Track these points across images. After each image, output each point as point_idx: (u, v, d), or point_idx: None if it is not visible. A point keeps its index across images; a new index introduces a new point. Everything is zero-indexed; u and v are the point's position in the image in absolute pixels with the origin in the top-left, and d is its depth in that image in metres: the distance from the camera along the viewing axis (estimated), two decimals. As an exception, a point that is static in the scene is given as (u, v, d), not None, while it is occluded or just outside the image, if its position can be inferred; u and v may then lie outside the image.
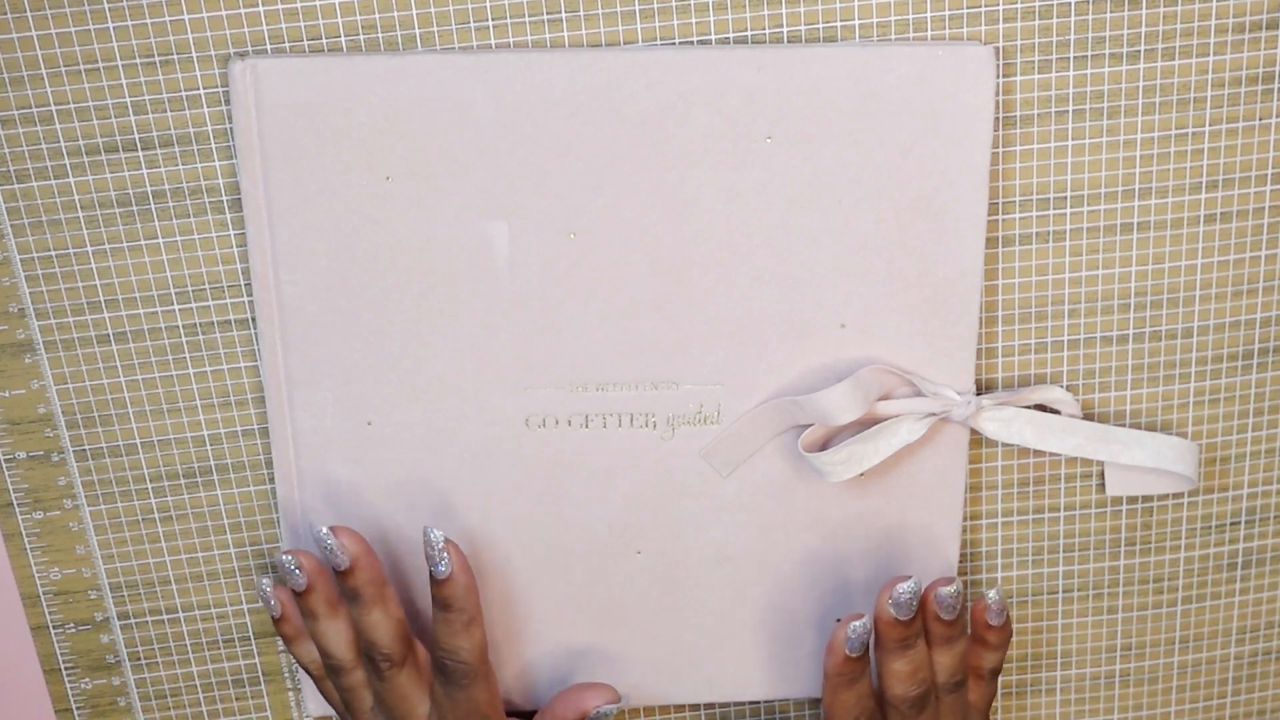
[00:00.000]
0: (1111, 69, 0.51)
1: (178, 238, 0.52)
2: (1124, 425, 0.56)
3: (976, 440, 0.55)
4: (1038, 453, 0.56)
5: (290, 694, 0.59)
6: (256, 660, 0.58)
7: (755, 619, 0.57)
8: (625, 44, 0.50)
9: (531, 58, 0.49)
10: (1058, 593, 0.58)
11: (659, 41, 0.50)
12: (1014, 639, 0.59)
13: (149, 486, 0.55)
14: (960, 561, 0.57)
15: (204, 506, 0.56)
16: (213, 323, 0.53)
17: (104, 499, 0.56)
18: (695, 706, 0.60)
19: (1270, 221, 0.53)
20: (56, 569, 0.57)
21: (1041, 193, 0.52)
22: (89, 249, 0.52)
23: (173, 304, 0.53)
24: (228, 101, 0.50)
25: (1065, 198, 0.52)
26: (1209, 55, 0.51)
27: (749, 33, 0.50)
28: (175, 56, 0.50)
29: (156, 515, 0.56)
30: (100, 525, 0.56)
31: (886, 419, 0.53)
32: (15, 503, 0.55)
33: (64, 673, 0.58)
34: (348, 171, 0.50)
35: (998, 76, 0.50)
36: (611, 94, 0.49)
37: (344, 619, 0.53)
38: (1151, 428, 0.56)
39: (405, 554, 0.55)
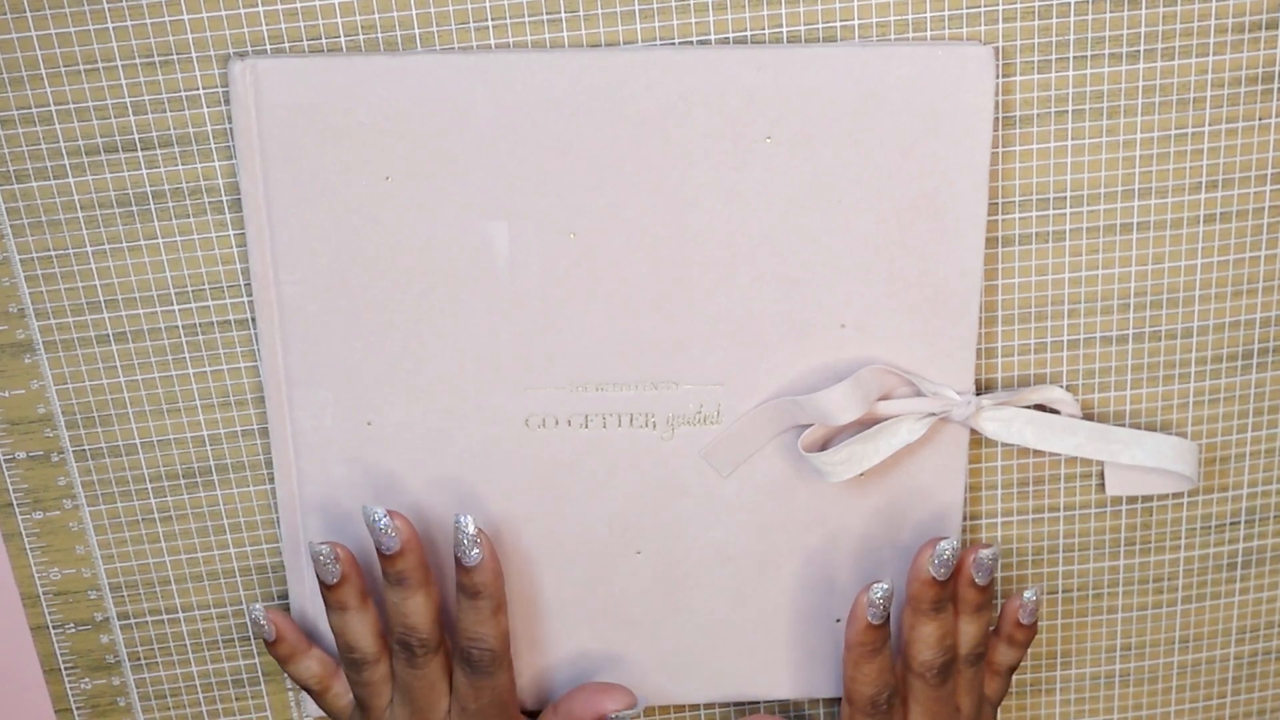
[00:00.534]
0: (1111, 69, 0.51)
1: (178, 238, 0.52)
2: (1124, 425, 0.56)
3: (976, 440, 0.55)
4: (1038, 453, 0.56)
5: (290, 694, 0.59)
6: (256, 660, 0.58)
7: (755, 619, 0.57)
8: (625, 44, 0.50)
9: (531, 58, 0.49)
10: (1058, 593, 0.58)
11: (659, 41, 0.50)
12: (1014, 639, 0.59)
13: (149, 486, 0.55)
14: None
15: (204, 506, 0.56)
16: (213, 323, 0.53)
17: (104, 499, 0.56)
18: (695, 707, 0.60)
19: (1270, 221, 0.53)
20: (56, 569, 0.57)
21: (1041, 193, 0.52)
22: (89, 249, 0.52)
23: (173, 304, 0.53)
24: (228, 101, 0.50)
25: (1065, 198, 0.52)
26: (1209, 55, 0.51)
27: (749, 33, 0.50)
28: (175, 56, 0.50)
29: (156, 515, 0.56)
30: (100, 525, 0.56)
31: (886, 419, 0.53)
32: (15, 503, 0.55)
33: (64, 673, 0.58)
34: (348, 171, 0.50)
35: (998, 76, 0.50)
36: (611, 94, 0.49)
37: (371, 610, 0.53)
38: (1151, 428, 0.56)
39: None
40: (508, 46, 0.50)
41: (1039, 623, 0.59)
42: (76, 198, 0.51)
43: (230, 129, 0.51)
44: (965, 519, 0.57)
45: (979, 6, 0.50)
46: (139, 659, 0.58)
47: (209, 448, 0.55)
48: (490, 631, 0.52)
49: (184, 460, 0.55)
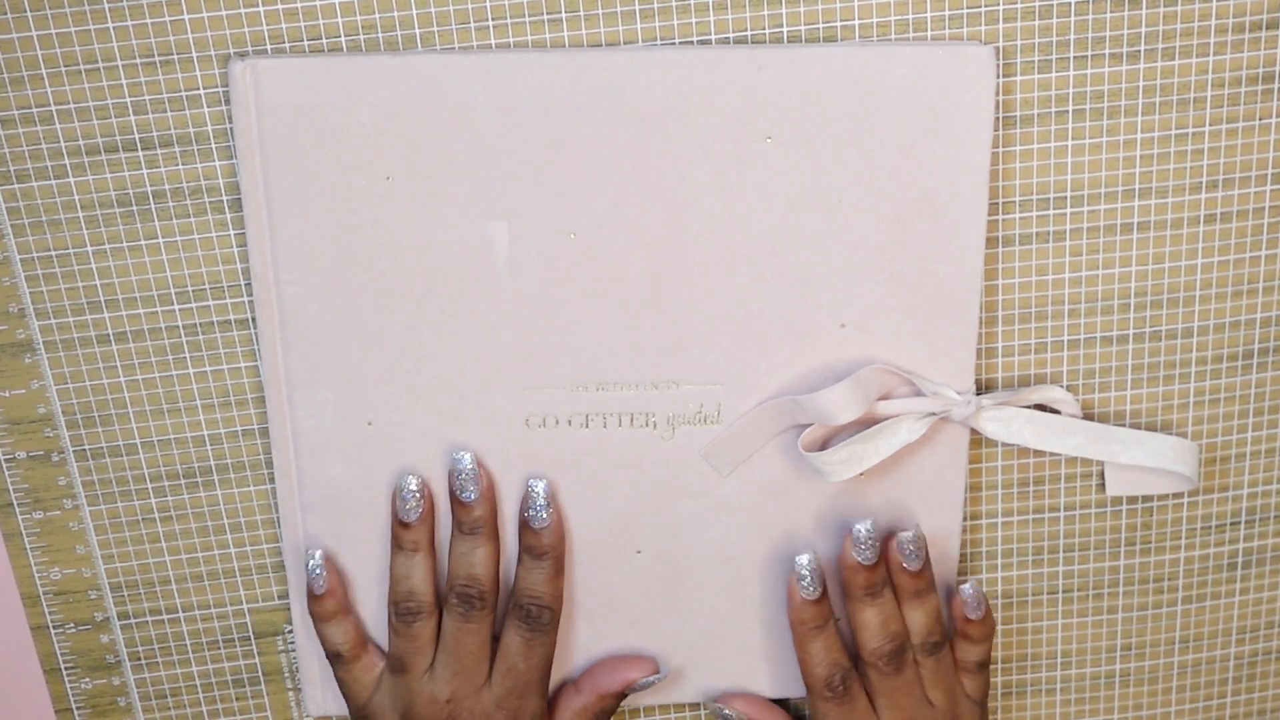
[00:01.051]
0: (1111, 69, 0.51)
1: (178, 238, 0.52)
2: (1124, 425, 0.56)
3: (976, 440, 0.55)
4: (1038, 453, 0.56)
5: (290, 694, 0.59)
6: (256, 660, 0.58)
7: (755, 618, 0.57)
8: (625, 44, 0.50)
9: (531, 58, 0.49)
10: (1058, 593, 0.58)
11: (659, 41, 0.50)
12: (1014, 639, 0.59)
13: (149, 486, 0.55)
14: (960, 561, 0.57)
15: (204, 506, 0.56)
16: (213, 323, 0.53)
17: (104, 499, 0.56)
18: (695, 706, 0.60)
19: (1270, 221, 0.53)
20: (56, 569, 0.57)
21: (1041, 193, 0.52)
22: (89, 249, 0.52)
23: (173, 304, 0.53)
24: (228, 101, 0.50)
25: (1065, 198, 0.52)
26: (1209, 55, 0.51)
27: (749, 33, 0.50)
28: (175, 56, 0.50)
29: (156, 515, 0.56)
30: (100, 525, 0.56)
31: (886, 419, 0.53)
32: (15, 503, 0.55)
33: (64, 673, 0.58)
34: (348, 171, 0.50)
35: (998, 76, 0.50)
36: (611, 94, 0.49)
37: (435, 560, 0.54)
38: (1151, 428, 0.56)
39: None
40: (508, 46, 0.50)
41: (1038, 623, 0.59)
42: (76, 198, 0.51)
43: (230, 129, 0.51)
44: (965, 519, 0.57)
45: (979, 6, 0.50)
46: (139, 659, 0.58)
47: (209, 448, 0.55)
48: (550, 590, 0.53)
49: (184, 460, 0.55)
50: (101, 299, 0.53)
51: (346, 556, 0.55)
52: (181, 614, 0.57)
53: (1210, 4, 0.50)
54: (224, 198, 0.52)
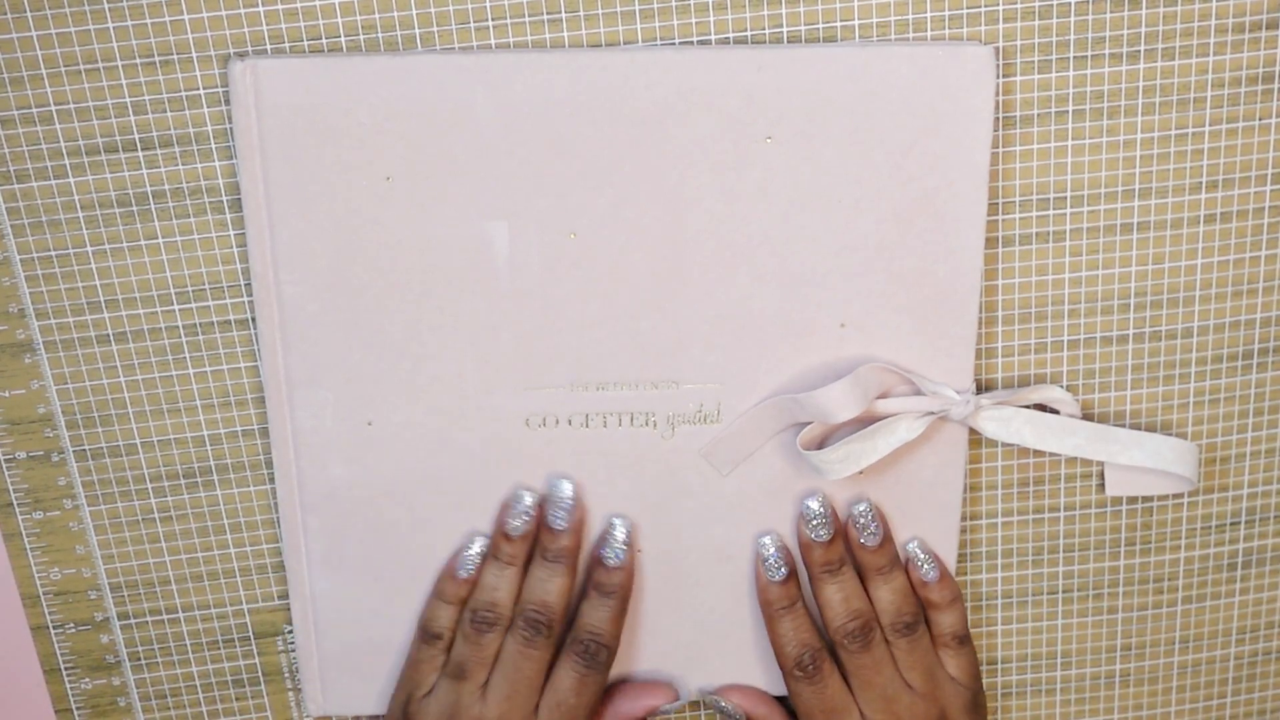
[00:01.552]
0: (1111, 69, 0.51)
1: (178, 238, 0.52)
2: (1124, 425, 0.56)
3: (976, 440, 0.55)
4: (1037, 453, 0.56)
5: (290, 694, 0.59)
6: (256, 660, 0.58)
7: (755, 617, 0.57)
8: (625, 44, 0.50)
9: (531, 58, 0.49)
10: (1058, 593, 0.58)
11: (659, 41, 0.50)
12: (1014, 639, 0.59)
13: (149, 486, 0.55)
14: (960, 561, 0.57)
15: (204, 506, 0.56)
16: (213, 323, 0.53)
17: (104, 499, 0.56)
18: (695, 705, 0.60)
19: (1270, 221, 0.53)
20: (56, 569, 0.57)
21: (1041, 193, 0.52)
22: (89, 249, 0.52)
23: (173, 304, 0.53)
24: (228, 101, 0.50)
25: (1065, 198, 0.53)
26: (1209, 55, 0.51)
27: (749, 33, 0.50)
28: (175, 56, 0.50)
29: (156, 515, 0.56)
30: (100, 525, 0.56)
31: (885, 417, 0.53)
32: (15, 503, 0.55)
33: (64, 673, 0.58)
34: (348, 171, 0.50)
35: (998, 76, 0.50)
36: (611, 94, 0.49)
37: (522, 577, 0.54)
38: (1151, 428, 0.56)
39: (405, 553, 0.55)
40: (508, 46, 0.50)
41: (1038, 623, 0.59)
42: (76, 198, 0.51)
43: (230, 129, 0.51)
44: (965, 519, 0.57)
45: (979, 6, 0.50)
46: (139, 659, 0.58)
47: (209, 448, 0.55)
48: (611, 630, 0.54)
49: (184, 460, 0.55)
50: (101, 299, 0.53)
51: (346, 556, 0.55)
52: (181, 614, 0.57)
53: (1210, 4, 0.50)
54: (224, 198, 0.52)
